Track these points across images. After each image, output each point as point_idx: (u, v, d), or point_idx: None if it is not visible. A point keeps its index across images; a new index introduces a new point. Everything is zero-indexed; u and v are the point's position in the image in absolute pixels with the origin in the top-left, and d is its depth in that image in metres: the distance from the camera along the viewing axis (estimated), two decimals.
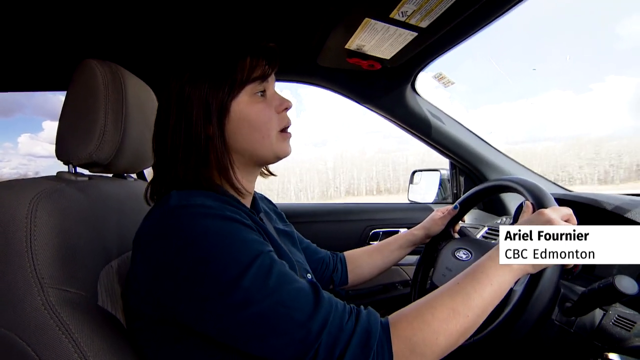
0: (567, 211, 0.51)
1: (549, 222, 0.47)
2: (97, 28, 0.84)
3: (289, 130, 0.53)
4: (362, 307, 0.43)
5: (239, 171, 0.51)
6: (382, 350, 0.38)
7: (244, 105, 0.48)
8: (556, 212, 0.50)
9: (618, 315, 0.54)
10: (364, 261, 0.81)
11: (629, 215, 0.65)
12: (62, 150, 0.53)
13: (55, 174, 0.54)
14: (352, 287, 0.83)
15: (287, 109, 0.52)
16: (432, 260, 0.77)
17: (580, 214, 0.55)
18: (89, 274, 0.47)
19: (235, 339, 0.38)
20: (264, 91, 0.51)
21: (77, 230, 0.46)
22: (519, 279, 0.48)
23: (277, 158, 0.52)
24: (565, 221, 0.50)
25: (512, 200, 1.17)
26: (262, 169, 0.60)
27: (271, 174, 0.62)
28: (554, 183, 1.12)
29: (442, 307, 0.42)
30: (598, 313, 0.56)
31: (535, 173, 1.18)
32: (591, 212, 0.72)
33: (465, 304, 0.42)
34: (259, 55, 0.49)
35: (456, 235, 0.81)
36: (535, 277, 0.48)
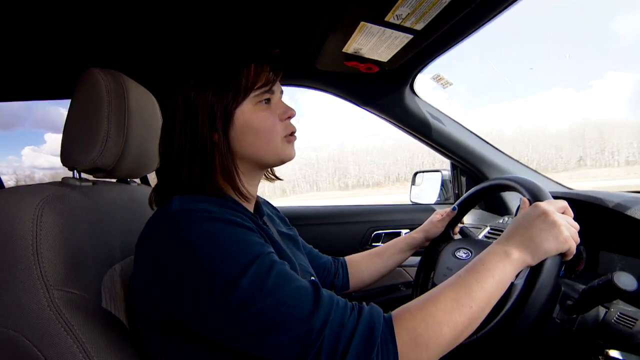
0: (562, 203, 0.52)
1: (545, 214, 0.48)
2: (100, 36, 0.86)
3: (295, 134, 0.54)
4: (364, 303, 0.42)
5: (243, 176, 0.51)
6: (386, 344, 0.38)
7: (248, 113, 0.49)
8: (552, 204, 0.50)
9: (620, 313, 0.54)
10: (364, 265, 0.81)
11: (629, 212, 0.65)
12: (67, 156, 0.54)
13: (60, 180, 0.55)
14: (353, 292, 0.82)
15: (290, 117, 0.53)
16: (433, 262, 0.77)
17: (580, 211, 0.55)
18: (93, 276, 0.48)
19: (236, 340, 0.38)
20: (269, 99, 0.51)
21: (82, 234, 0.47)
22: (519, 273, 0.48)
23: (282, 162, 0.53)
24: (562, 213, 0.50)
25: (513, 200, 1.16)
26: (268, 174, 0.61)
27: (277, 178, 0.62)
28: (555, 182, 1.11)
29: (445, 299, 0.42)
30: (600, 311, 0.55)
31: (536, 171, 1.18)
32: (592, 209, 0.71)
33: (468, 295, 0.42)
34: (263, 62, 0.50)
35: (456, 237, 0.80)
36: (535, 269, 0.48)
